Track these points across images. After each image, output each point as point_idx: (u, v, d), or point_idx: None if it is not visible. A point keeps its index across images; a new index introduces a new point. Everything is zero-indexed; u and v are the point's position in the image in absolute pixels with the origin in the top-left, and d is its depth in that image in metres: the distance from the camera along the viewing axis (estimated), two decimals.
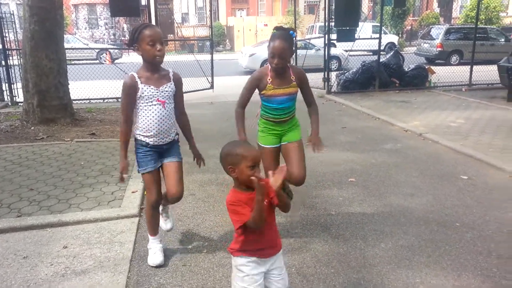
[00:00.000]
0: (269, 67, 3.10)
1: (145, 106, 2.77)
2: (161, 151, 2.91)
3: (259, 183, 1.87)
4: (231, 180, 2.05)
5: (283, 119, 3.17)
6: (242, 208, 1.96)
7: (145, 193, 4.17)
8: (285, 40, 2.95)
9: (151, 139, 2.83)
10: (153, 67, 2.78)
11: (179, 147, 3.03)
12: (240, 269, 2.07)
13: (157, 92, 2.76)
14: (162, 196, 3.02)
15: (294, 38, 3.07)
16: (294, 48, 3.17)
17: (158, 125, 2.80)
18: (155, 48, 2.66)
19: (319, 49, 14.40)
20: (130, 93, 2.75)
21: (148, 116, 2.78)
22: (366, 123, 7.47)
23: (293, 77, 3.11)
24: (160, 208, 3.14)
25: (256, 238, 2.04)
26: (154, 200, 2.93)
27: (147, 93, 2.74)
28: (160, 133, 2.83)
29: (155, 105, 2.76)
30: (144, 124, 2.81)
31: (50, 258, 3.05)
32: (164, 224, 3.21)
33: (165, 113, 2.81)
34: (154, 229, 3.07)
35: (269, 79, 3.06)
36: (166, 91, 2.80)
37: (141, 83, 2.73)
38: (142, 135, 2.84)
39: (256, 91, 3.19)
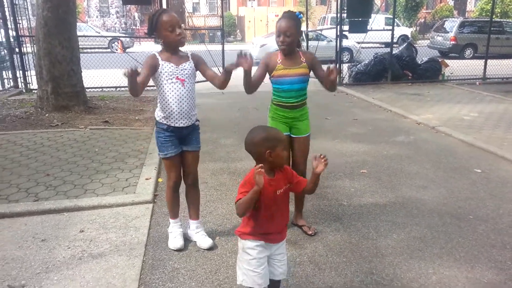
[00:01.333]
0: (279, 52, 3.10)
1: (165, 83, 2.79)
2: (181, 136, 2.93)
3: (260, 178, 1.91)
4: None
5: (294, 104, 3.12)
6: (244, 188, 2.02)
7: (159, 180, 4.23)
8: (291, 19, 2.95)
9: (172, 120, 2.85)
10: (174, 50, 2.83)
11: (199, 134, 3.06)
12: (248, 252, 2.12)
13: (176, 70, 2.80)
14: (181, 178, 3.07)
15: (300, 20, 3.06)
16: (301, 30, 3.14)
17: (178, 103, 2.82)
18: (175, 33, 2.72)
19: (331, 41, 14.32)
20: (150, 64, 2.76)
21: (167, 94, 2.80)
22: (378, 115, 7.44)
23: (303, 59, 3.09)
24: (197, 226, 3.16)
25: (266, 223, 2.09)
26: (173, 182, 3.00)
27: (167, 69, 2.77)
28: (180, 113, 2.84)
29: (174, 82, 2.79)
30: (163, 103, 2.83)
31: (67, 241, 3.12)
32: (204, 240, 3.10)
33: (185, 92, 2.83)
34: (174, 211, 3.11)
35: (279, 60, 3.05)
36: (186, 69, 2.83)
37: (161, 59, 2.79)
38: (163, 117, 2.86)
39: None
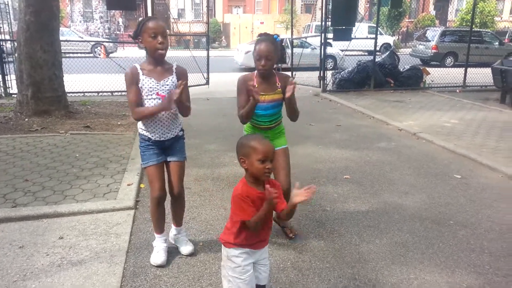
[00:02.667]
0: (255, 73, 3.09)
1: (144, 99, 2.72)
2: (163, 147, 2.86)
3: (272, 199, 1.91)
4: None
5: (268, 126, 3.13)
6: (248, 206, 1.99)
7: (141, 185, 4.18)
8: (270, 43, 2.94)
9: (152, 135, 2.79)
10: (156, 60, 2.75)
11: (184, 144, 2.99)
12: (232, 260, 2.10)
13: (157, 85, 2.72)
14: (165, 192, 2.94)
15: (278, 42, 3.04)
16: (280, 52, 3.11)
17: (158, 120, 2.76)
18: (156, 40, 2.64)
19: (315, 48, 14.45)
20: (133, 81, 2.71)
21: None
22: (361, 121, 7.52)
23: (278, 84, 3.08)
24: (179, 231, 3.10)
25: (252, 235, 2.07)
26: (157, 195, 2.87)
27: (147, 85, 2.70)
28: (161, 128, 2.78)
29: (154, 99, 2.72)
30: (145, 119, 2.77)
31: (46, 248, 3.05)
32: (185, 247, 3.06)
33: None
34: (159, 226, 3.00)
35: (255, 85, 3.03)
36: (167, 84, 2.75)
37: (142, 74, 2.71)
38: (144, 130, 2.81)
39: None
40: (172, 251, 3.06)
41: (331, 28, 10.37)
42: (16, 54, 7.32)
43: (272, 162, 2.03)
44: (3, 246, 3.05)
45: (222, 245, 2.15)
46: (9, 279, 2.67)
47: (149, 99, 2.72)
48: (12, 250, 3.00)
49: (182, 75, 2.84)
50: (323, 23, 10.50)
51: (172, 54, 2.91)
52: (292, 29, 13.48)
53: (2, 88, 9.08)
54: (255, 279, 2.17)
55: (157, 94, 2.72)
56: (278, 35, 3.10)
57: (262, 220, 2.00)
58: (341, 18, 9.90)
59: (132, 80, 2.71)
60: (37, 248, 3.04)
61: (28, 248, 3.03)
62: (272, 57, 2.95)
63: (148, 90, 2.71)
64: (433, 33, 18.56)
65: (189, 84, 3.00)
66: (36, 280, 2.67)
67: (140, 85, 2.71)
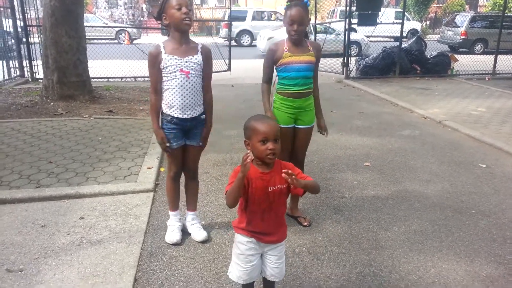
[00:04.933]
0: (285, 39, 3.07)
1: (168, 76, 2.72)
2: (185, 128, 2.86)
3: (245, 164, 1.81)
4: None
5: (300, 91, 3.07)
6: (233, 177, 1.93)
7: (161, 169, 4.23)
8: (302, 8, 2.91)
9: (175, 111, 2.78)
10: (181, 37, 2.73)
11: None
12: (238, 246, 2.07)
13: (180, 62, 2.71)
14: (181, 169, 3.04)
15: (308, 7, 3.02)
16: (309, 19, 3.12)
17: (181, 96, 2.74)
18: (181, 11, 2.63)
19: (339, 34, 14.20)
20: (154, 64, 2.73)
21: (170, 87, 2.74)
22: (384, 109, 7.37)
23: (310, 47, 3.06)
24: (193, 217, 3.14)
25: (255, 220, 2.00)
26: (173, 173, 2.98)
27: (170, 63, 2.70)
28: (183, 105, 2.77)
29: (177, 75, 2.71)
30: (167, 96, 2.77)
31: (67, 227, 3.13)
32: (198, 234, 3.06)
33: (189, 85, 2.74)
34: (174, 203, 3.08)
35: (286, 48, 3.02)
36: (191, 61, 2.74)
37: (165, 53, 2.71)
38: (167, 108, 2.80)
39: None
40: (189, 234, 3.10)
41: (356, 13, 10.16)
42: (42, 40, 7.47)
43: (277, 141, 1.91)
44: (26, 225, 3.15)
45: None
46: (31, 256, 2.76)
47: (173, 76, 2.71)
48: (35, 229, 3.10)
49: (207, 57, 2.84)
50: (348, 7, 10.30)
51: (195, 40, 2.88)
52: (315, 14, 13.26)
53: (29, 73, 9.31)
54: (262, 273, 2.12)
55: (181, 70, 2.71)
56: (308, 0, 3.06)
57: (235, 188, 1.87)
58: (366, 3, 9.68)
59: (154, 63, 2.73)
60: (58, 227, 3.13)
61: (49, 227, 3.12)
62: (304, 22, 2.93)
63: (171, 67, 2.70)
64: (463, 19, 17.96)
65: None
66: (56, 258, 2.74)
67: (162, 65, 2.71)
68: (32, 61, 9.23)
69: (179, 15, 2.64)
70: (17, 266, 2.64)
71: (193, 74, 2.75)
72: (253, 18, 21.70)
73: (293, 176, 1.83)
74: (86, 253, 2.81)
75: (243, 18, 21.23)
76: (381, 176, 4.30)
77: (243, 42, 21.08)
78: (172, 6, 2.64)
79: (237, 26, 20.29)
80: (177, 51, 2.73)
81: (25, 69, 9.42)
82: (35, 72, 9.24)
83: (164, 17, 2.71)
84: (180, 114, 2.79)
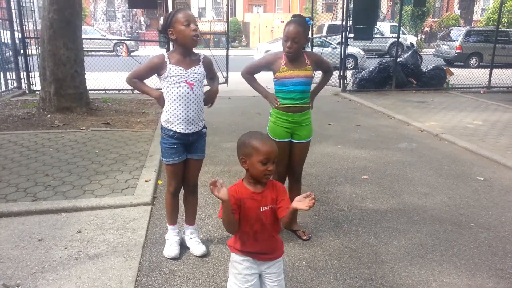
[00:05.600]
0: (283, 53, 3.07)
1: (172, 87, 2.70)
2: (187, 143, 2.84)
3: (224, 201, 1.75)
4: (243, 173, 1.97)
5: (297, 105, 3.07)
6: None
7: (159, 182, 4.21)
8: (300, 25, 2.91)
9: (177, 126, 2.76)
10: (185, 51, 2.74)
11: (205, 142, 2.99)
12: (235, 266, 2.01)
13: (185, 73, 2.71)
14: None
15: (310, 26, 3.02)
16: (309, 37, 3.12)
17: (185, 109, 2.73)
18: (190, 28, 2.63)
19: (336, 47, 14.32)
20: (152, 68, 2.75)
21: (174, 98, 2.71)
22: (381, 121, 7.40)
23: (307, 61, 3.06)
24: (192, 231, 3.11)
25: (248, 241, 1.95)
26: (173, 188, 2.95)
27: (175, 73, 2.69)
28: (187, 119, 2.75)
29: (182, 86, 2.70)
30: (170, 107, 2.74)
31: (64, 241, 3.09)
32: (197, 248, 3.03)
33: (193, 97, 2.74)
34: (172, 217, 3.05)
35: (283, 62, 3.02)
36: (195, 73, 2.75)
37: (169, 63, 2.70)
38: (168, 122, 2.77)
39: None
40: (187, 247, 3.07)
41: (352, 27, 10.25)
42: (39, 51, 7.47)
43: (274, 163, 1.88)
44: (23, 239, 3.11)
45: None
46: (28, 270, 2.72)
47: (177, 86, 2.71)
48: (32, 243, 3.06)
49: (208, 65, 2.90)
50: (344, 22, 10.40)
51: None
52: (312, 28, 13.39)
53: (26, 85, 9.30)
54: None
55: (186, 82, 2.71)
56: (310, 18, 3.07)
57: (227, 218, 1.82)
58: (362, 17, 9.79)
59: (152, 68, 2.75)
60: (55, 241, 3.09)
61: (47, 241, 3.08)
62: (299, 40, 2.92)
63: (176, 77, 2.70)
64: (458, 33, 18.16)
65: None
66: (54, 272, 2.71)
67: (166, 74, 2.70)
68: (30, 73, 9.22)
69: (189, 32, 2.64)
70: (14, 281, 2.60)
71: (197, 85, 2.77)
72: None
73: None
74: (84, 267, 2.78)
75: None
76: (379, 189, 4.30)
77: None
78: (181, 22, 2.63)
79: None
80: (182, 63, 2.73)
81: (22, 80, 9.40)
82: (32, 84, 9.22)
83: (170, 32, 2.68)
84: (183, 129, 2.77)
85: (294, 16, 3.04)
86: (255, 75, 3.26)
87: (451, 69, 11.47)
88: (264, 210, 1.92)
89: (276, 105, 3.05)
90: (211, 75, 3.02)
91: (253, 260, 1.98)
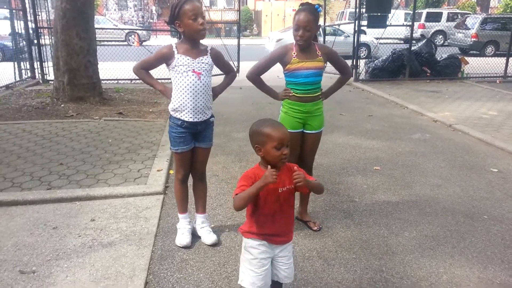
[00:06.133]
0: (294, 43, 3.05)
1: (179, 76, 2.73)
2: (195, 132, 2.88)
3: (272, 176, 1.82)
4: (254, 162, 2.01)
5: (309, 95, 3.05)
6: (244, 182, 1.92)
7: (171, 171, 4.24)
8: (310, 13, 2.88)
9: (185, 115, 2.78)
10: (193, 42, 2.76)
11: (213, 131, 3.02)
12: (249, 251, 2.05)
13: (193, 63, 2.73)
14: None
15: (319, 14, 2.99)
16: (319, 24, 3.08)
17: (193, 98, 2.75)
18: (197, 22, 2.64)
19: (348, 36, 14.16)
20: (160, 58, 2.78)
21: (182, 87, 2.74)
22: (394, 112, 7.33)
23: (319, 52, 3.03)
24: (203, 221, 3.14)
25: (266, 222, 2.01)
26: (182, 175, 3.00)
27: (182, 62, 2.71)
28: (195, 107, 2.78)
29: (189, 75, 2.72)
30: (178, 97, 2.76)
31: (78, 229, 3.15)
32: (208, 237, 3.05)
33: (200, 86, 2.76)
34: (183, 205, 3.09)
35: (294, 53, 2.99)
36: (203, 62, 2.76)
37: (177, 53, 2.73)
38: (176, 111, 2.80)
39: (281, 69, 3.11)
40: (199, 236, 3.10)
41: (366, 15, 10.11)
42: (53, 41, 7.54)
43: (288, 146, 1.94)
44: (38, 226, 3.18)
45: (242, 236, 2.12)
46: (43, 258, 2.78)
47: (185, 76, 2.73)
48: (47, 231, 3.12)
49: (217, 57, 2.90)
50: (358, 9, 10.26)
51: (203, 42, 2.89)
52: (324, 16, 13.24)
53: (40, 75, 9.41)
54: (275, 276, 2.12)
55: (193, 71, 2.73)
56: (320, 5, 3.03)
57: (250, 196, 1.86)
58: (376, 4, 9.64)
59: (160, 58, 2.78)
60: (69, 229, 3.15)
61: (61, 229, 3.14)
62: (310, 28, 2.89)
63: (184, 67, 2.72)
64: (474, 21, 17.79)
65: (219, 72, 3.06)
66: (68, 260, 2.76)
67: (174, 63, 2.72)
68: (43, 63, 9.32)
69: (196, 26, 2.65)
70: (29, 268, 2.66)
71: (204, 75, 2.78)
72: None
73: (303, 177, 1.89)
74: (97, 255, 2.83)
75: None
76: (391, 180, 4.27)
77: None
78: (188, 16, 2.63)
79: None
80: (190, 53, 2.75)
81: (36, 70, 9.52)
82: (46, 74, 9.33)
83: (177, 24, 2.70)
84: (191, 118, 2.79)
85: (302, 4, 3.01)
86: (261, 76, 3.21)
87: (466, 58, 11.27)
88: (283, 191, 1.99)
89: (290, 95, 3.03)
90: (225, 70, 3.04)
91: (268, 244, 2.04)
